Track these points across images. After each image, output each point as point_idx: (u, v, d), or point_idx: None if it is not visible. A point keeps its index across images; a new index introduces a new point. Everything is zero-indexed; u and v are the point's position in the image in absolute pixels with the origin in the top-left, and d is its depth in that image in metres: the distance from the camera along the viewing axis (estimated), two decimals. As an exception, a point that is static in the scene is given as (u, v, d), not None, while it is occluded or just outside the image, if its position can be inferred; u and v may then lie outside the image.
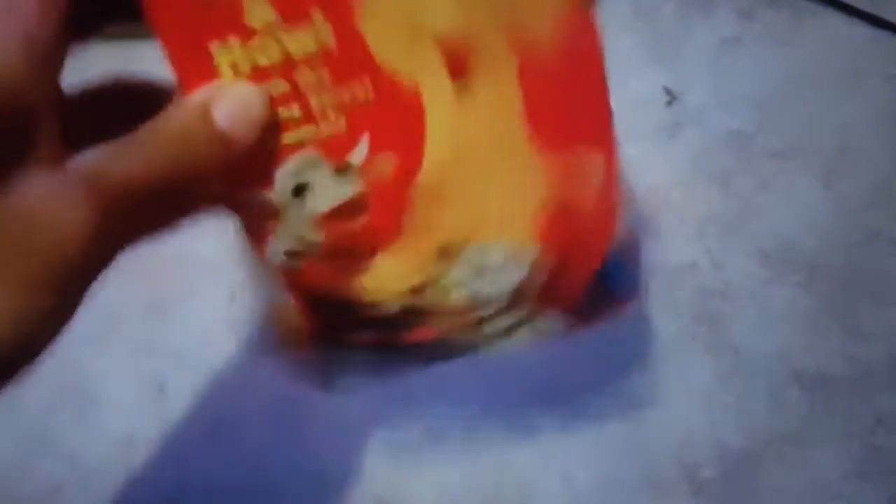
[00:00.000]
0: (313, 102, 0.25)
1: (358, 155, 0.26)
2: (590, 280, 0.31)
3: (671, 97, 0.45)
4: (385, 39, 0.25)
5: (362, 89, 0.25)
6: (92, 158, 0.21)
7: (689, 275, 0.43)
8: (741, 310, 0.42)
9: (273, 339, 0.41)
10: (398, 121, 0.26)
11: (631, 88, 0.46)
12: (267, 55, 0.24)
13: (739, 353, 0.42)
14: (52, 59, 0.22)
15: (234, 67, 0.24)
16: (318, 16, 0.24)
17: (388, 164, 0.26)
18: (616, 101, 0.46)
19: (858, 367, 0.42)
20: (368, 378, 0.34)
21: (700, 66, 0.46)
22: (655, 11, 0.48)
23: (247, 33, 0.24)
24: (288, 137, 0.25)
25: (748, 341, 0.42)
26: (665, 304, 0.42)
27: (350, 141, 0.26)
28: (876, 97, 0.45)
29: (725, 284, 0.43)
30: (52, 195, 0.19)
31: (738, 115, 0.45)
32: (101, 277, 0.21)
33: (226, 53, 0.24)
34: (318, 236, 0.27)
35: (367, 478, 0.40)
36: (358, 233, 0.27)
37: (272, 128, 0.25)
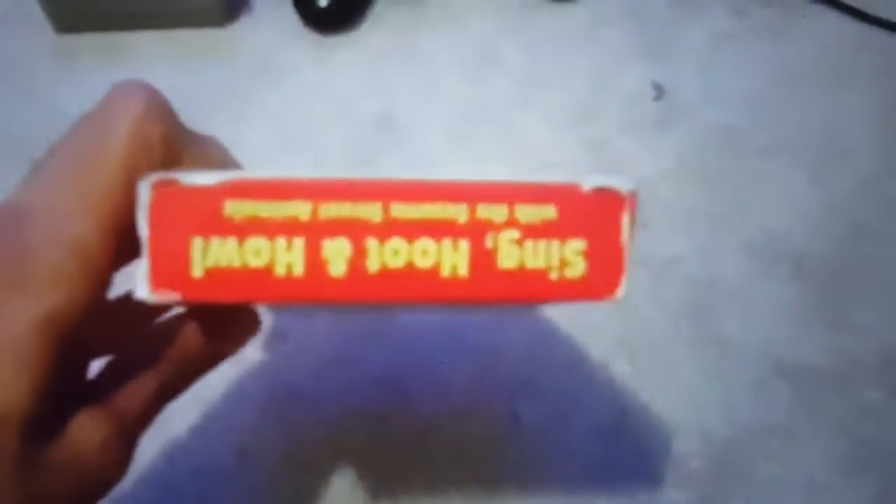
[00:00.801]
0: None
1: None
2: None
3: (659, 92, 0.46)
4: None
5: None
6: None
7: (676, 267, 0.43)
8: (728, 303, 0.42)
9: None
10: None
11: (619, 83, 0.46)
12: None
13: (726, 345, 0.42)
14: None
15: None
16: None
17: None
18: (604, 95, 0.47)
19: (845, 360, 0.42)
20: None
21: (690, 62, 0.47)
22: (645, 6, 0.48)
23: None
24: None
25: (735, 334, 0.42)
26: (652, 296, 0.43)
27: None
28: (865, 93, 0.46)
29: (713, 277, 0.43)
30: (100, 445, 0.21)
31: (727, 110, 0.46)
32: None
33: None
34: None
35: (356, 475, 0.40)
36: None
37: None
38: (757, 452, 0.40)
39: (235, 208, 0.19)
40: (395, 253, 0.20)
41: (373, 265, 0.20)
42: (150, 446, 0.40)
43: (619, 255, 0.22)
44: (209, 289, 0.19)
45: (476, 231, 0.20)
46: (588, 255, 0.21)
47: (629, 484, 0.40)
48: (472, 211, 0.20)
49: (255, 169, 0.21)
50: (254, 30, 0.48)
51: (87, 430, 0.21)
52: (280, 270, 0.19)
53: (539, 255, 0.21)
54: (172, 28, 0.46)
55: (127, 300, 0.24)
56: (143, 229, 0.19)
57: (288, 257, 0.19)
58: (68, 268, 0.18)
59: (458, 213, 0.20)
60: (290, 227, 0.19)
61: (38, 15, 0.46)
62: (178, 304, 0.20)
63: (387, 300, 0.20)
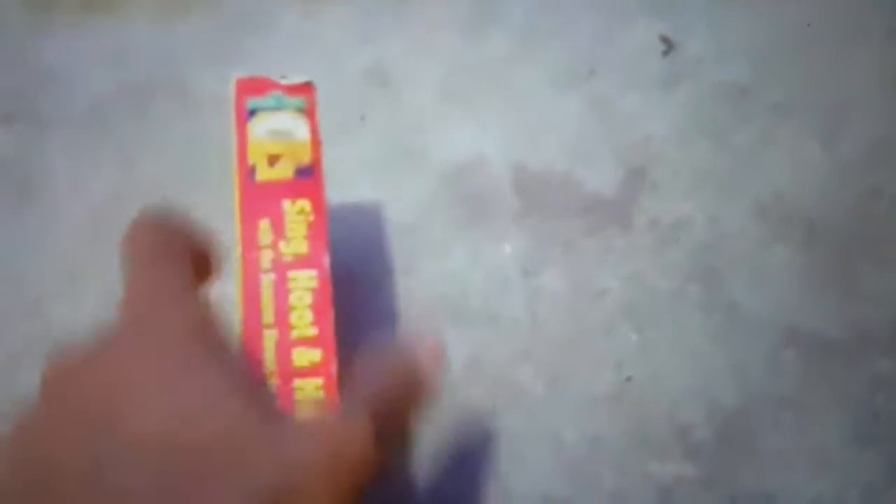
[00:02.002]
0: None
1: None
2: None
3: (668, 47, 0.44)
4: None
5: None
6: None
7: (683, 231, 0.41)
8: (737, 268, 0.41)
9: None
10: None
11: (627, 38, 0.44)
12: None
13: (734, 312, 0.40)
14: None
15: None
16: None
17: None
18: (609, 50, 0.45)
19: (857, 329, 0.40)
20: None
21: (699, 16, 0.45)
22: (653, -41, 0.46)
23: None
24: None
25: (743, 300, 0.40)
26: (658, 260, 0.41)
27: None
28: (878, 52, 0.44)
29: (721, 241, 0.41)
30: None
31: (736, 67, 0.44)
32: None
33: None
34: None
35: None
36: None
37: None
38: (766, 424, 0.39)
39: None
40: None
41: None
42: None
43: None
44: None
45: None
46: None
47: (634, 455, 0.38)
48: None
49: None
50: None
51: None
52: None
53: None
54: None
55: None
56: None
57: None
58: None
59: None
60: None
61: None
62: None
63: None
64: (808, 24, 0.44)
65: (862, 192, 0.42)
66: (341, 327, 0.30)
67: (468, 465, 0.37)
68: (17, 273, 0.39)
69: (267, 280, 0.30)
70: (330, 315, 0.30)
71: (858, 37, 0.44)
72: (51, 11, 0.44)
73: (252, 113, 0.32)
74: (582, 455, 0.38)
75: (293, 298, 0.30)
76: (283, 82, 0.33)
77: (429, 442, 0.37)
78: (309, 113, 0.33)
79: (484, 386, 0.38)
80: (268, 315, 0.30)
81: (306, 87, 0.34)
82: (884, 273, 0.41)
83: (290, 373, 0.29)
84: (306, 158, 0.32)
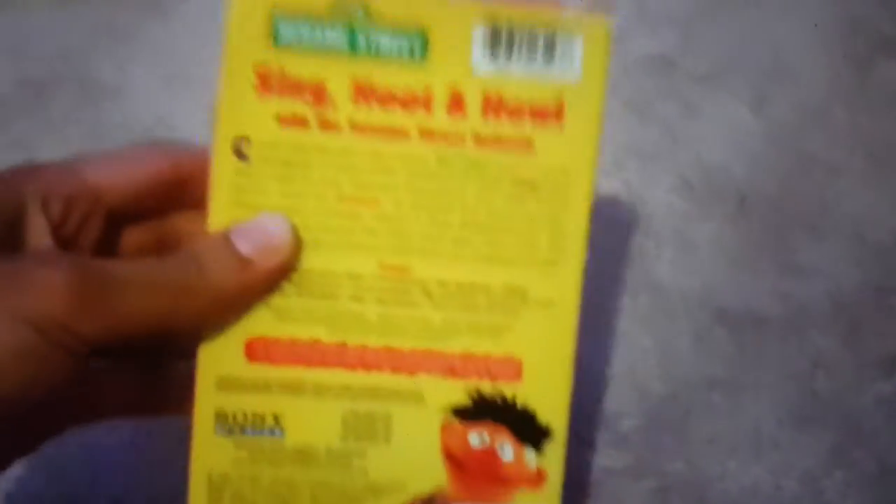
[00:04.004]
0: None
1: None
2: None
3: (586, 19, 0.42)
4: None
5: None
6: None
7: (606, 209, 0.39)
8: (663, 246, 0.39)
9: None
10: None
11: (542, 11, 0.42)
12: None
13: (661, 292, 0.38)
14: None
15: None
16: None
17: None
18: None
19: (793, 305, 0.38)
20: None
21: (618, -14, 0.43)
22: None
23: None
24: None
25: (671, 279, 0.38)
26: (580, 241, 0.39)
27: None
28: (812, 11, 0.42)
29: (646, 219, 0.39)
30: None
31: (660, 36, 0.42)
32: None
33: None
34: None
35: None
36: None
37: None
38: (697, 408, 0.37)
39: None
40: None
41: None
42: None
43: None
44: None
45: None
46: None
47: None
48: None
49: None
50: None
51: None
52: None
53: None
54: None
55: None
56: None
57: None
58: None
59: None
60: None
61: None
62: None
63: None
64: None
65: (796, 160, 0.40)
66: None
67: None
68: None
69: None
70: None
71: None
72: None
73: None
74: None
75: None
76: None
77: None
78: None
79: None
80: None
81: None
82: (820, 244, 0.39)
83: None
84: None
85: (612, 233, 0.39)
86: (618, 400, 0.37)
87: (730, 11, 0.42)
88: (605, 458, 0.36)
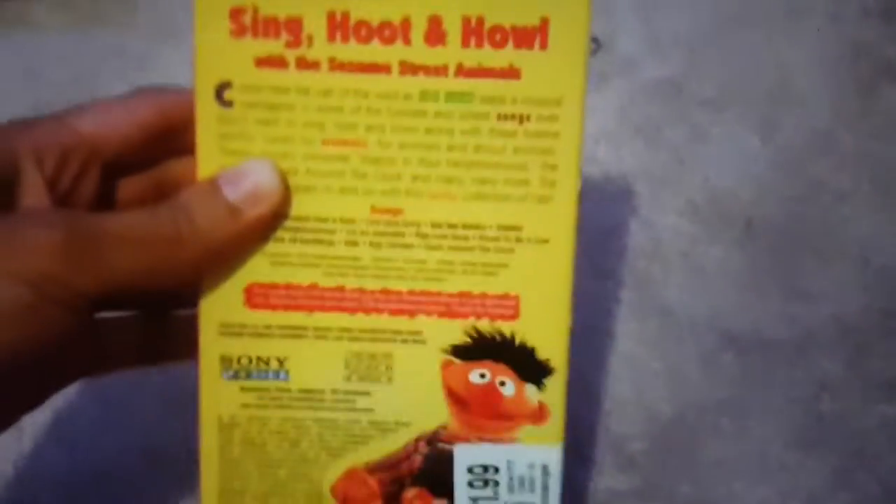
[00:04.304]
0: None
1: None
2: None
3: (596, 45, 0.42)
4: None
5: None
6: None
7: (615, 235, 0.40)
8: (671, 270, 0.39)
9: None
10: None
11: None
12: None
13: (669, 316, 0.39)
14: None
15: None
16: None
17: None
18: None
19: (799, 328, 0.39)
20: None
21: (628, 11, 0.43)
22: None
23: None
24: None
25: (679, 304, 0.39)
26: (589, 266, 0.39)
27: None
28: (818, 38, 0.42)
29: (654, 244, 0.40)
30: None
31: (668, 61, 0.42)
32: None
33: None
34: None
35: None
36: None
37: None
38: (704, 431, 0.37)
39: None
40: None
41: None
42: (50, 449, 0.37)
43: None
44: None
45: None
46: None
47: (566, 468, 0.37)
48: None
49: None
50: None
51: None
52: None
53: None
54: (64, -9, 0.43)
55: None
56: None
57: None
58: None
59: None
60: None
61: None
62: None
63: None
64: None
65: (803, 185, 0.40)
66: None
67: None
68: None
69: None
70: None
71: (796, 23, 0.42)
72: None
73: None
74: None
75: None
76: None
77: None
78: None
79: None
80: None
81: None
82: (827, 269, 0.39)
83: None
84: None
85: (620, 257, 0.40)
86: (625, 422, 0.38)
87: (737, 36, 0.42)
88: (612, 480, 0.37)
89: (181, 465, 0.37)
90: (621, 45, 0.43)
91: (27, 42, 0.43)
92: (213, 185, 0.23)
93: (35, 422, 0.38)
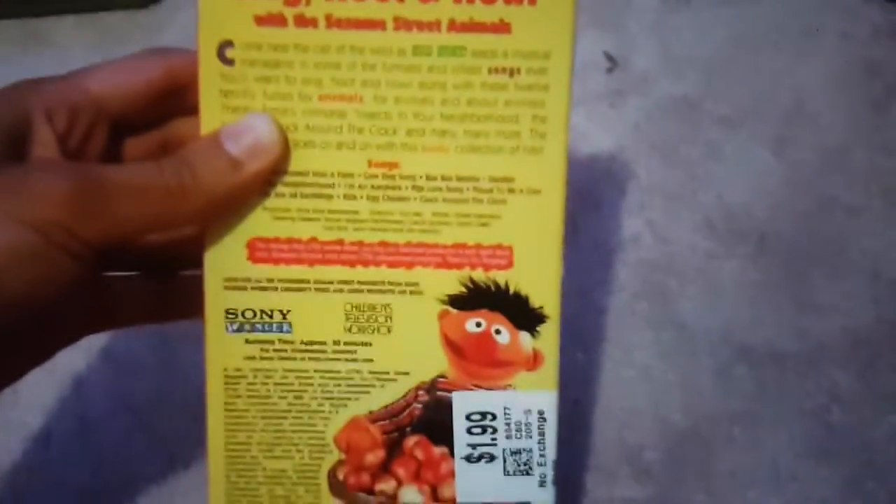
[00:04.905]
0: None
1: None
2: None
3: (612, 63, 0.43)
4: None
5: None
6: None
7: (631, 249, 0.41)
8: (686, 284, 0.40)
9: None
10: None
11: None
12: None
13: (684, 329, 0.40)
14: None
15: None
16: None
17: None
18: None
19: (811, 341, 0.39)
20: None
21: (644, 30, 0.44)
22: (596, -27, 0.46)
23: None
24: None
25: (693, 317, 0.40)
26: (606, 279, 0.40)
27: None
28: (831, 57, 0.43)
29: (669, 258, 0.41)
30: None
31: (683, 79, 0.43)
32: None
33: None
34: None
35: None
36: None
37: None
38: (718, 442, 0.38)
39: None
40: None
41: None
42: (75, 457, 0.38)
43: None
44: None
45: None
46: None
47: (581, 479, 0.38)
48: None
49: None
50: (178, 10, 0.46)
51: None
52: None
53: None
54: (91, 11, 0.44)
55: None
56: None
57: None
58: None
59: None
60: None
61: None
62: None
63: None
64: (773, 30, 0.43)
65: (815, 201, 0.41)
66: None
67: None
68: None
69: None
70: None
71: (809, 42, 0.43)
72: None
73: None
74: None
75: None
76: None
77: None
78: None
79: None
80: None
81: None
82: (838, 283, 0.40)
83: None
84: None
85: (637, 271, 0.41)
86: (641, 433, 0.38)
87: (751, 55, 0.43)
88: (627, 490, 0.38)
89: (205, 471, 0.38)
90: (637, 63, 0.44)
91: (50, 61, 0.43)
92: (216, 139, 0.24)
93: (63, 430, 0.39)
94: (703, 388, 0.39)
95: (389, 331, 0.26)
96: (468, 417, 0.27)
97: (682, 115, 0.42)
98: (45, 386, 0.39)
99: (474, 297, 0.26)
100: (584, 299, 0.40)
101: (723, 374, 0.39)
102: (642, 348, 0.40)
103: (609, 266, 0.41)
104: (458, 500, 0.27)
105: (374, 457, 0.27)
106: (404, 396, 0.27)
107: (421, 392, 0.27)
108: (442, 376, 0.27)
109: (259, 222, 0.25)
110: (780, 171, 0.42)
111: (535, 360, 0.27)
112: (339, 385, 0.27)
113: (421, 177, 0.25)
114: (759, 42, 0.43)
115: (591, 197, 0.41)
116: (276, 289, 0.26)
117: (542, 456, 0.28)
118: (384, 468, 0.27)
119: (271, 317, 0.26)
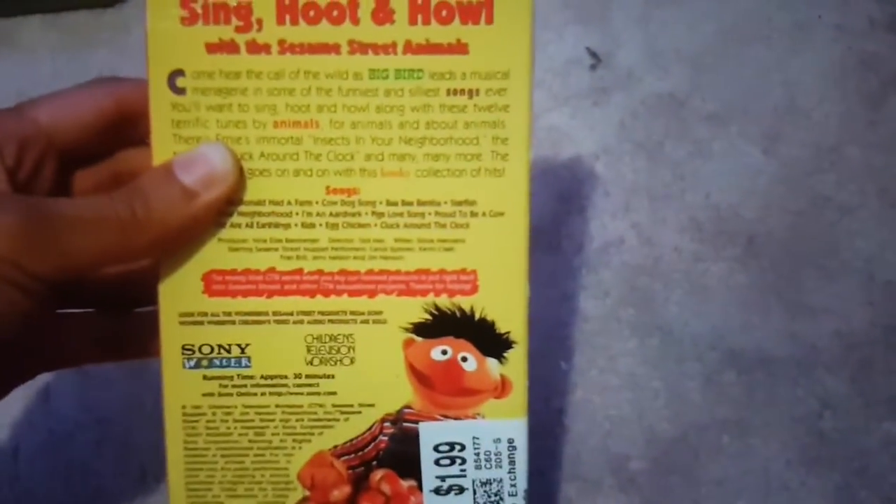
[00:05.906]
0: None
1: None
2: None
3: (596, 60, 0.42)
4: None
5: None
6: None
7: (615, 252, 0.40)
8: (672, 288, 0.39)
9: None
10: None
11: (551, 52, 0.42)
12: None
13: (670, 334, 0.38)
14: None
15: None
16: None
17: None
18: (537, 66, 0.43)
19: (802, 346, 0.38)
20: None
21: (629, 25, 0.42)
22: (579, -34, 0.44)
23: None
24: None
25: (680, 322, 0.39)
26: (589, 284, 0.39)
27: None
28: (824, 51, 0.42)
29: (655, 261, 0.39)
30: None
31: (670, 76, 0.42)
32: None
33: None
34: None
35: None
36: None
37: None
38: (705, 450, 0.37)
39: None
40: None
41: None
42: (44, 471, 0.37)
43: None
44: None
45: None
46: None
47: (566, 489, 0.37)
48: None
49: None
50: (145, 8, 0.44)
51: None
52: None
53: None
54: (58, 11, 0.43)
55: None
56: None
57: None
58: None
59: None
60: None
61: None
62: None
63: None
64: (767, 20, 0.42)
65: (807, 201, 0.40)
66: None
67: None
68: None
69: None
70: None
71: (800, 36, 0.42)
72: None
73: None
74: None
75: None
76: None
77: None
78: None
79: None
80: None
81: None
82: (830, 284, 0.39)
83: None
84: None
85: (621, 275, 0.39)
86: (626, 442, 0.37)
87: (740, 49, 0.42)
88: (612, 501, 0.37)
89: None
90: (621, 59, 0.42)
91: (17, 63, 0.42)
92: (168, 169, 0.23)
93: (31, 444, 0.38)
94: (691, 396, 0.38)
95: (352, 362, 0.25)
96: (436, 448, 0.26)
97: (668, 113, 0.41)
98: (12, 399, 0.38)
99: (439, 325, 0.25)
100: (567, 305, 0.39)
101: (711, 381, 0.38)
102: (627, 355, 0.38)
103: (593, 270, 0.39)
104: None
105: (340, 493, 0.26)
106: (369, 429, 0.26)
107: (387, 424, 0.26)
108: (408, 407, 0.26)
109: (215, 254, 0.24)
110: (770, 170, 0.40)
111: (503, 388, 0.26)
112: (302, 420, 0.26)
113: (381, 202, 0.24)
114: (748, 35, 0.42)
115: (574, 199, 0.40)
116: (233, 322, 0.25)
117: (512, 486, 0.27)
118: None
119: (229, 351, 0.25)
